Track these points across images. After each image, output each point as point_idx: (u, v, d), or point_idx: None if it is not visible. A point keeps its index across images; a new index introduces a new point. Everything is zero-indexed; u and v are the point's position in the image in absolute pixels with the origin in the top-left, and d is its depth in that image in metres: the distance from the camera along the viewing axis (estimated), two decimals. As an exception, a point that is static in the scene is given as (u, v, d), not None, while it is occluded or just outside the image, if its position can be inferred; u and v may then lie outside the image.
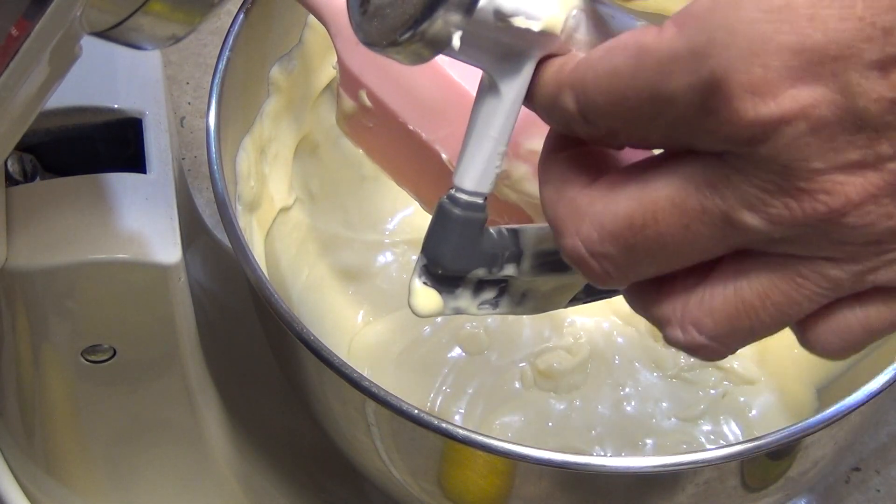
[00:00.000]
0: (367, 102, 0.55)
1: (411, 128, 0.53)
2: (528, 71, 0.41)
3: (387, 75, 0.54)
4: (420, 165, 0.54)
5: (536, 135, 0.49)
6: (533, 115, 0.45)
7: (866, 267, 0.35)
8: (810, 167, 0.33)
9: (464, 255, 0.44)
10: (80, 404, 0.59)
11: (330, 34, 0.56)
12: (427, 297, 0.45)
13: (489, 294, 0.46)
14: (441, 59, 0.45)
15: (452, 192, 0.43)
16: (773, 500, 0.56)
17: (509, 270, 0.45)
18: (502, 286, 0.46)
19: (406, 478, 0.56)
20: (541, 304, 0.48)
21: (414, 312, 0.45)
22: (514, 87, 0.42)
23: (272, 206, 0.64)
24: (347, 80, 0.55)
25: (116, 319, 0.56)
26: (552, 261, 0.45)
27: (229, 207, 0.54)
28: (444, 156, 0.52)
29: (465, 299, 0.46)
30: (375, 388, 0.50)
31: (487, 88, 0.42)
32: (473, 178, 0.43)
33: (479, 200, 0.43)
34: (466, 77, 0.52)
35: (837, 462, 0.59)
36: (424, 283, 0.44)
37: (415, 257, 0.72)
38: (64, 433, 0.61)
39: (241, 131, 0.61)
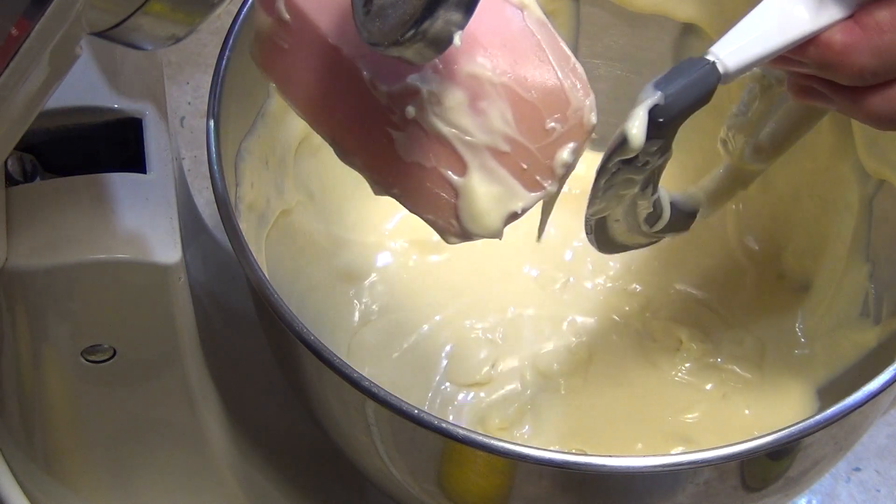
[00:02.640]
0: (286, 15, 0.48)
1: (331, 42, 0.46)
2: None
3: None
4: (337, 95, 0.47)
5: (477, 57, 0.45)
6: (481, 33, 0.44)
7: None
8: None
9: (684, 116, 0.46)
10: (80, 404, 0.59)
11: None
12: (642, 130, 0.46)
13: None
14: None
15: (712, 58, 0.46)
16: (773, 500, 0.56)
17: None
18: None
19: (406, 478, 0.56)
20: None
21: (628, 137, 0.46)
22: (827, 20, 0.45)
23: (273, 207, 0.64)
24: None
25: (116, 319, 0.56)
26: None
27: (229, 207, 0.54)
28: (365, 73, 0.45)
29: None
30: (375, 388, 0.50)
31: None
32: (740, 63, 0.46)
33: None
34: None
35: (837, 462, 0.59)
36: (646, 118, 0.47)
37: (415, 257, 0.72)
38: (64, 433, 0.61)
39: (242, 131, 0.61)
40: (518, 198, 0.47)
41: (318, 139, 0.68)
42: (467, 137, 0.45)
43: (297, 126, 0.65)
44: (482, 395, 0.67)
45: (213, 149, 0.56)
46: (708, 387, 0.67)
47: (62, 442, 0.62)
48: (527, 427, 0.65)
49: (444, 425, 0.49)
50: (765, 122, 0.59)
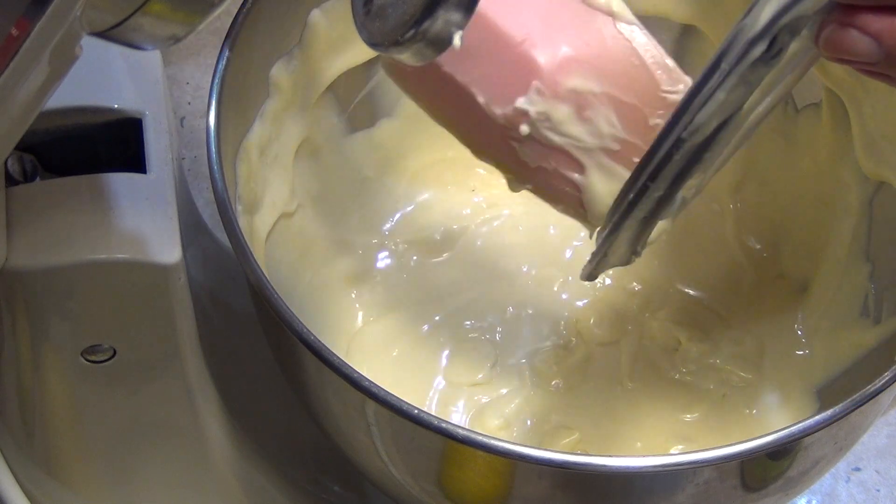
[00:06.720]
0: None
1: (445, 70, 0.51)
2: None
3: None
4: (460, 112, 0.52)
5: (576, 73, 0.49)
6: (576, 47, 0.46)
7: None
8: None
9: None
10: (80, 404, 0.59)
11: None
12: None
13: None
14: None
15: None
16: (773, 500, 0.56)
17: None
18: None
19: (406, 478, 0.56)
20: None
21: None
22: None
23: (273, 208, 0.64)
24: None
25: (116, 319, 0.56)
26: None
27: (229, 208, 0.54)
28: (479, 98, 0.50)
29: None
30: (375, 388, 0.50)
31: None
32: None
33: None
34: (500, 15, 0.50)
35: (837, 462, 0.59)
36: None
37: (415, 258, 0.72)
38: (64, 433, 0.61)
39: (241, 131, 0.61)
40: None
41: (318, 140, 0.68)
42: (579, 144, 0.50)
43: (296, 127, 0.65)
44: (482, 394, 0.67)
45: (213, 149, 0.56)
46: (708, 387, 0.67)
47: (62, 442, 0.62)
48: (527, 427, 0.65)
49: (444, 425, 0.49)
50: None
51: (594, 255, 0.52)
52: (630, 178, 0.48)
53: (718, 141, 0.46)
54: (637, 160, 0.48)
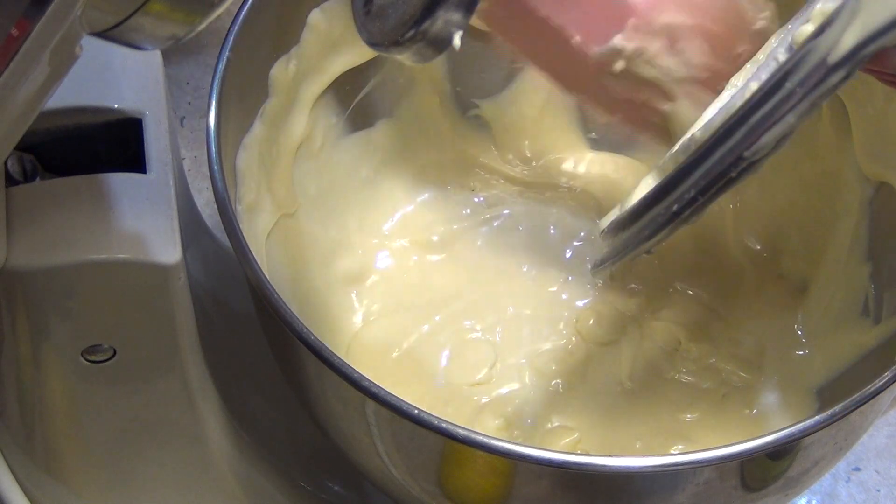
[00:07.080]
0: None
1: (541, 13, 0.52)
2: None
3: None
4: (552, 52, 0.53)
5: (669, 9, 0.50)
6: None
7: None
8: None
9: None
10: (80, 404, 0.59)
11: None
12: None
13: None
14: None
15: None
16: (773, 500, 0.56)
17: None
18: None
19: (406, 478, 0.56)
20: None
21: None
22: None
23: (273, 208, 0.64)
24: None
25: (116, 319, 0.56)
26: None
27: (229, 207, 0.54)
28: (575, 39, 0.52)
29: None
30: (375, 388, 0.50)
31: None
32: None
33: None
34: None
35: (837, 462, 0.59)
36: None
37: (416, 258, 0.72)
38: (64, 433, 0.61)
39: (241, 131, 0.61)
40: None
41: (317, 140, 0.68)
42: (670, 75, 0.51)
43: (296, 127, 0.65)
44: (482, 394, 0.67)
45: (213, 149, 0.56)
46: (707, 387, 0.67)
47: (62, 442, 0.62)
48: (527, 427, 0.65)
49: (444, 425, 0.49)
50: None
51: (619, 254, 0.52)
52: (666, 185, 0.48)
53: (770, 156, 0.46)
54: (723, 86, 0.50)
